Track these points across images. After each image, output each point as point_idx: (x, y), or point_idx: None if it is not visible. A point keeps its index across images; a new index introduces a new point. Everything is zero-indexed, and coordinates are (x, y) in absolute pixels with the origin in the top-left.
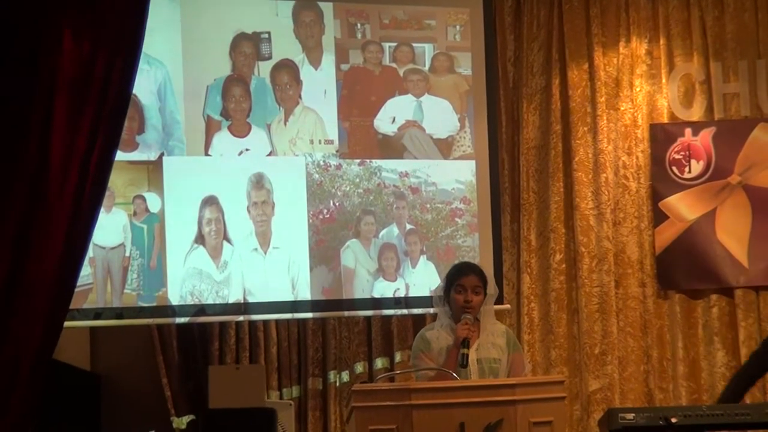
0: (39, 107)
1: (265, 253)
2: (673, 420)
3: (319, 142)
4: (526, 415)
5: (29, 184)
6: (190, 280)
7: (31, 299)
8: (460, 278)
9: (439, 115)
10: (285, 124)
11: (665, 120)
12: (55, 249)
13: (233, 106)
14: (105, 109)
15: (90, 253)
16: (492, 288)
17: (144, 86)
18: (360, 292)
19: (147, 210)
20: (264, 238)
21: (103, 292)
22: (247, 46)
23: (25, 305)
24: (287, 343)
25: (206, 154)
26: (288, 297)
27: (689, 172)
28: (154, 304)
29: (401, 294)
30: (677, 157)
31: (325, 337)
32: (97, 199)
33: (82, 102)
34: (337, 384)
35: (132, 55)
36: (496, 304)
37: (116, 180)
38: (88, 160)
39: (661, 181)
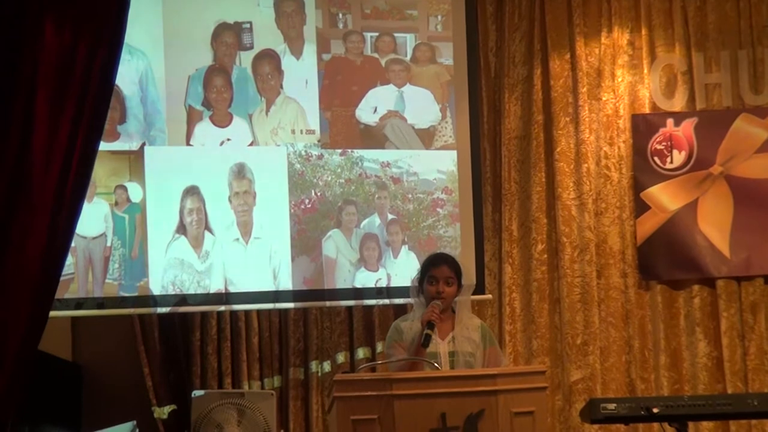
0: (20, 98)
1: (247, 243)
2: (655, 410)
3: (301, 132)
4: (507, 405)
5: (10, 175)
6: (171, 269)
7: (13, 289)
8: (432, 269)
9: (421, 105)
10: (266, 114)
11: (647, 110)
12: (38, 240)
13: (215, 96)
14: (87, 100)
15: None
16: (468, 279)
17: (125, 76)
18: (341, 282)
19: (128, 200)
20: (245, 228)
21: (84, 282)
22: (229, 36)
23: (7, 294)
24: (269, 333)
25: (188, 144)
26: (269, 287)
27: (671, 162)
28: (136, 294)
29: (383, 284)
30: (659, 147)
31: (307, 327)
32: (80, 190)
33: (64, 93)
34: (319, 374)
35: (114, 45)
36: (478, 294)
37: (98, 170)
38: (72, 151)
39: (643, 171)
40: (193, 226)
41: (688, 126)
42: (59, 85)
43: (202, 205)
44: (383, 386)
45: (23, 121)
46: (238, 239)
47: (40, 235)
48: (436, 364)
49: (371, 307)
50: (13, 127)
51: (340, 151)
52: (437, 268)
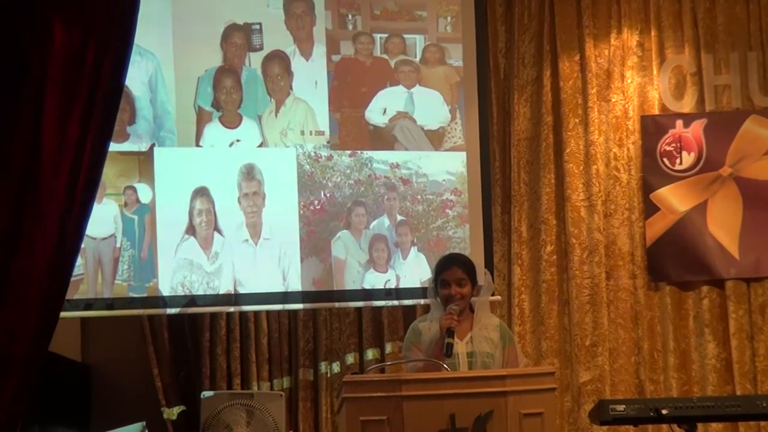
0: (29, 100)
1: (256, 244)
2: (664, 411)
3: (310, 133)
4: (516, 407)
5: (20, 176)
6: (180, 270)
7: (23, 290)
8: (442, 273)
9: (430, 107)
10: (276, 115)
11: (656, 112)
12: (48, 241)
13: (224, 97)
14: (97, 101)
15: None
16: (485, 279)
17: (135, 77)
18: (351, 284)
19: (138, 201)
20: (255, 229)
21: (93, 283)
22: (239, 37)
23: (16, 296)
24: (278, 334)
25: (197, 145)
26: (279, 288)
27: (680, 163)
28: (145, 295)
29: (392, 285)
30: (668, 148)
31: (316, 328)
32: (90, 191)
33: (73, 94)
34: (328, 375)
35: (123, 46)
36: None
37: (107, 171)
38: (81, 152)
39: (652, 172)
40: (203, 227)
41: (698, 127)
42: (68, 87)
43: (211, 206)
44: (392, 387)
45: (32, 123)
46: (247, 240)
47: (50, 237)
48: (446, 367)
49: (380, 308)
50: (22, 128)
51: (349, 152)
52: (447, 271)
